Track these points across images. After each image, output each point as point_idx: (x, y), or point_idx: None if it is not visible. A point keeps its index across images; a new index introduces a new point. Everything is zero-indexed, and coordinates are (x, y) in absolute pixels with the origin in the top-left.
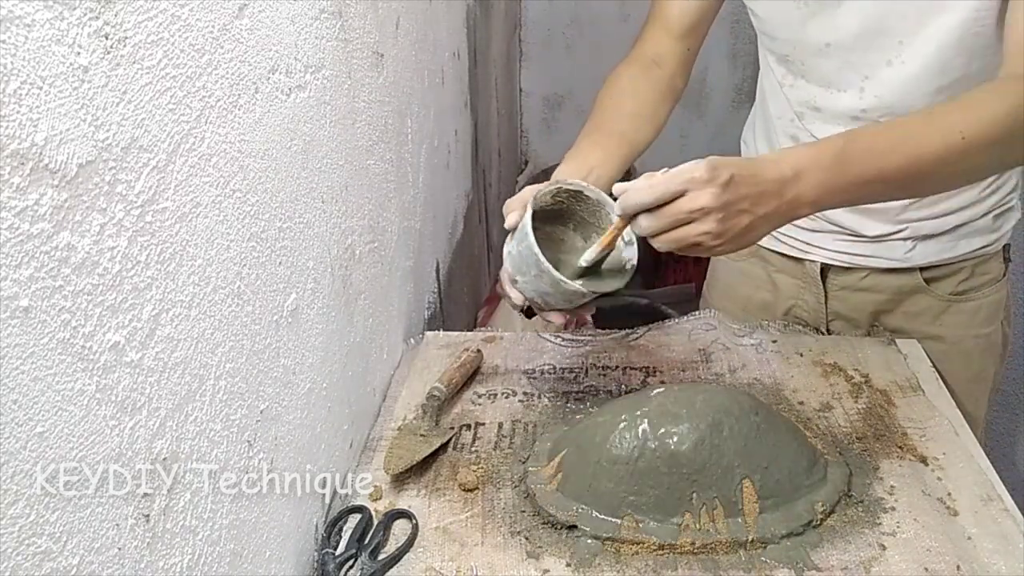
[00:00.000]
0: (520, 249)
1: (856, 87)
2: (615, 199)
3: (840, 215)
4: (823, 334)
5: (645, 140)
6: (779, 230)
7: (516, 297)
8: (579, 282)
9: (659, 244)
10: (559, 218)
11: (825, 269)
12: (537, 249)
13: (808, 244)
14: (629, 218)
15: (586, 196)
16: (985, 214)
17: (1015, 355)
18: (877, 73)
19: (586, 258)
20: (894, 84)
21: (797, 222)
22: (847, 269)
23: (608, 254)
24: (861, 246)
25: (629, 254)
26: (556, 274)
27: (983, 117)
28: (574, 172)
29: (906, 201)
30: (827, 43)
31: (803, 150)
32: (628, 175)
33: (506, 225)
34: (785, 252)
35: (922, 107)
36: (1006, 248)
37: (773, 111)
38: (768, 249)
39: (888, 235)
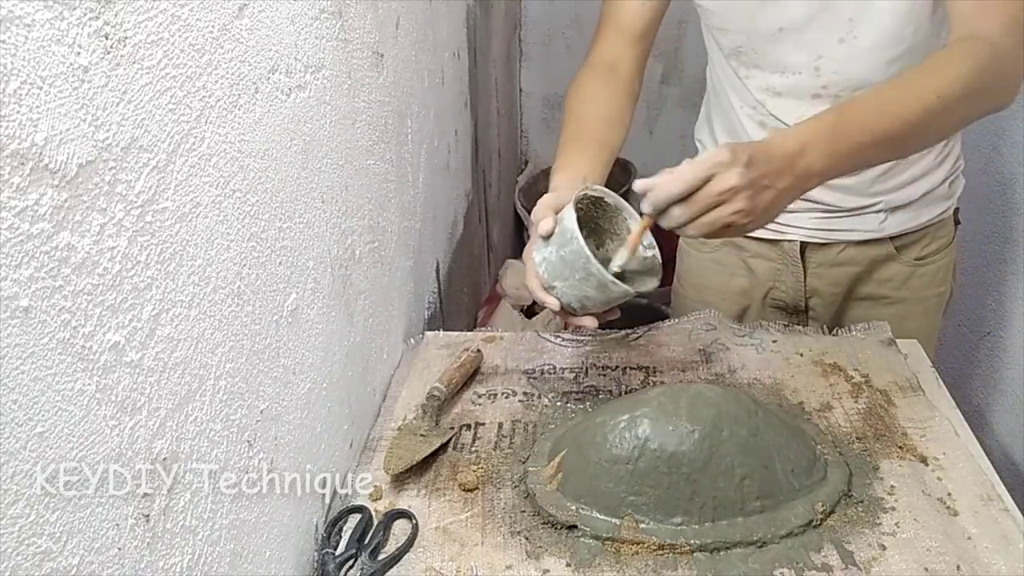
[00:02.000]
0: (563, 253)
1: (811, 67)
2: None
3: (818, 193)
4: (801, 312)
5: (618, 143)
6: None
7: (553, 303)
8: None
9: (692, 231)
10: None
11: (803, 247)
12: (588, 252)
13: (786, 224)
14: (657, 213)
15: (605, 202)
16: (942, 182)
17: (1014, 353)
18: (830, 51)
19: (618, 263)
20: (848, 59)
21: None
22: (824, 245)
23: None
24: (838, 220)
25: (650, 254)
26: (607, 276)
27: (952, 77)
28: (568, 181)
29: (875, 174)
30: (780, 28)
31: (802, 127)
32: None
33: (541, 232)
34: (761, 236)
35: (880, 77)
36: (955, 212)
37: (735, 103)
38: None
39: (863, 208)
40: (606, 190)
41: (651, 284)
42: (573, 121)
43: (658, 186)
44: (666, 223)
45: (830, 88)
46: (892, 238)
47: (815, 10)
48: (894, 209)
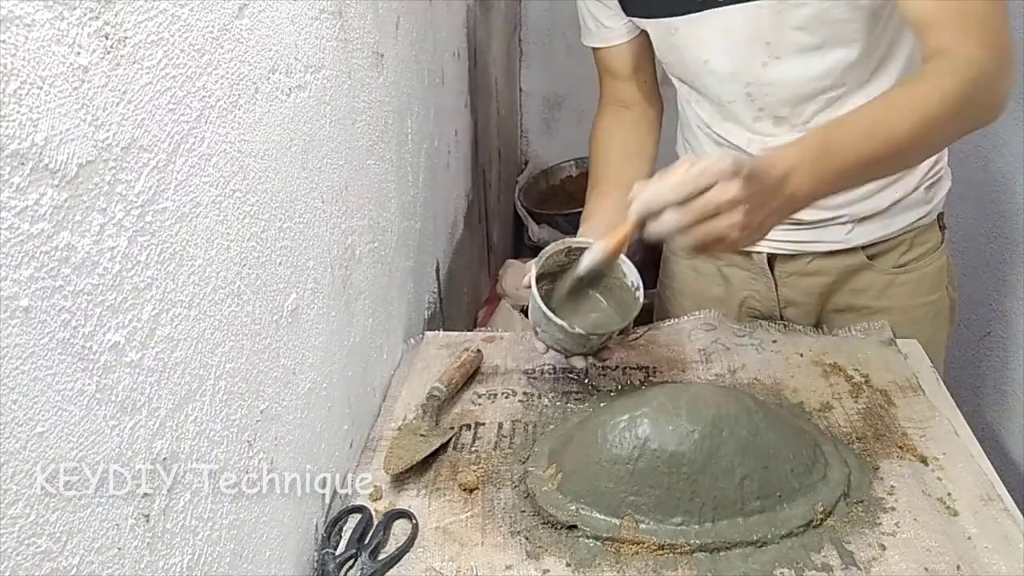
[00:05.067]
0: (532, 304)
1: (743, 95)
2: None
3: None
4: (779, 321)
5: (643, 176)
6: None
7: (540, 347)
8: (579, 327)
9: (685, 240)
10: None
11: (772, 258)
12: (540, 301)
13: None
14: (643, 221)
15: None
16: (917, 187)
17: (1013, 352)
18: (756, 77)
19: (584, 265)
20: (775, 80)
21: None
22: (792, 256)
23: (611, 288)
24: (802, 233)
25: (635, 291)
26: (559, 320)
27: (937, 98)
28: (592, 230)
29: None
30: (704, 60)
31: (789, 150)
32: None
33: (523, 283)
34: None
35: (810, 91)
36: (940, 216)
37: (693, 121)
38: None
39: (827, 220)
40: (587, 240)
41: (619, 323)
42: (594, 167)
43: (652, 190)
44: (656, 229)
45: (767, 110)
46: (864, 247)
47: (735, 40)
48: (861, 220)
